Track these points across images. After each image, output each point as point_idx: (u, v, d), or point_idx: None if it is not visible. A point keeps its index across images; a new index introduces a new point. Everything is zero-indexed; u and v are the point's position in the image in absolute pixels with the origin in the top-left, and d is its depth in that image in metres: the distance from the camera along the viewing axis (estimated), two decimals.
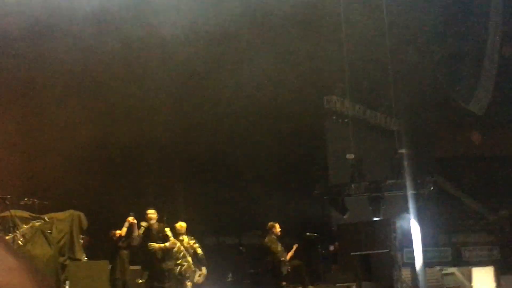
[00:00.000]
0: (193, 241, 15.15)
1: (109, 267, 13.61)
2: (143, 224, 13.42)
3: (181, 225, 14.99)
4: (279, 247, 15.89)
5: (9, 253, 2.03)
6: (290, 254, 16.46)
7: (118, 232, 13.77)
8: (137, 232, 13.46)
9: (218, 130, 18.76)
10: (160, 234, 13.47)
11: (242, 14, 16.97)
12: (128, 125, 17.98)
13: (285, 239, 16.86)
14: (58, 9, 15.09)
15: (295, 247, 16.80)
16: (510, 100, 33.22)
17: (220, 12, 16.70)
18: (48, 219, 12.90)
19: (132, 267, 14.19)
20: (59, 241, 13.13)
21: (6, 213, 10.14)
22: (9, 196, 10.45)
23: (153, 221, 13.54)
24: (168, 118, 17.78)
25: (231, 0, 16.40)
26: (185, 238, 14.84)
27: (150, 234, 13.45)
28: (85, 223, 13.65)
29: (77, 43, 16.30)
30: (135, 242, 13.18)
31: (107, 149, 17.85)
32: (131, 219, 13.58)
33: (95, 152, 17.26)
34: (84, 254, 13.62)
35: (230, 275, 18.41)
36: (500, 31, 30.84)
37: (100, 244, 14.52)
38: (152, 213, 13.60)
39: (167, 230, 13.55)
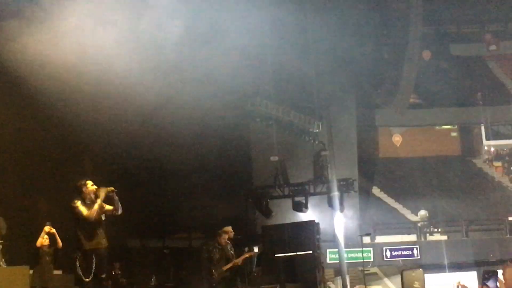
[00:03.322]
0: None
1: (30, 272, 13.22)
2: None
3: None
4: (217, 255, 15.59)
5: None
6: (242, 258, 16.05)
7: (39, 242, 13.25)
8: (59, 243, 13.04)
9: (143, 133, 18.51)
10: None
11: None
12: (47, 126, 17.50)
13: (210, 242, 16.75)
14: None
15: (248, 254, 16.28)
16: (430, 103, 34.09)
17: None
18: None
19: (56, 271, 13.81)
20: None
21: None
22: None
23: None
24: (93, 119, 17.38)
25: None
26: None
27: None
28: (4, 227, 13.24)
29: None
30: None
31: (26, 150, 17.38)
32: (47, 229, 13.07)
33: (13, 152, 16.76)
34: (3, 260, 13.22)
35: (153, 278, 18.25)
36: (420, 35, 31.57)
37: (18, 249, 14.08)
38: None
39: None
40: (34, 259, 13.27)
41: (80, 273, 10.66)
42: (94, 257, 10.70)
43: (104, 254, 11.01)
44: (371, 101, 32.36)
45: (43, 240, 13.19)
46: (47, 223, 13.10)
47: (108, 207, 11.05)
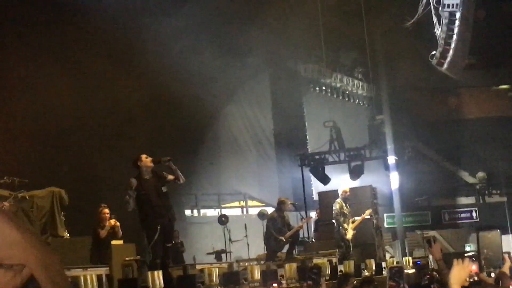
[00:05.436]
0: None
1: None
2: None
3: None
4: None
5: (12, 226, 1.94)
6: (358, 220, 16.70)
7: (103, 234, 13.15)
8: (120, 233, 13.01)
9: (201, 106, 18.57)
10: None
11: None
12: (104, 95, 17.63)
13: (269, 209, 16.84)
14: None
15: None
16: (485, 64, 33.39)
17: None
18: (29, 197, 12.73)
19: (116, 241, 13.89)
20: (40, 219, 12.99)
21: None
22: None
23: None
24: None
25: None
26: None
27: None
28: (66, 199, 13.48)
29: None
30: None
31: (85, 123, 17.58)
32: (113, 222, 13.03)
33: (71, 127, 16.95)
34: (66, 231, 13.47)
35: (212, 246, 18.41)
36: None
37: (83, 220, 14.32)
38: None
39: None
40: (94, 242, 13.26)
41: (147, 243, 10.80)
42: (160, 227, 10.80)
43: (170, 224, 11.12)
44: (426, 63, 31.80)
45: (107, 232, 13.18)
46: (112, 215, 13.20)
47: (170, 176, 11.10)
